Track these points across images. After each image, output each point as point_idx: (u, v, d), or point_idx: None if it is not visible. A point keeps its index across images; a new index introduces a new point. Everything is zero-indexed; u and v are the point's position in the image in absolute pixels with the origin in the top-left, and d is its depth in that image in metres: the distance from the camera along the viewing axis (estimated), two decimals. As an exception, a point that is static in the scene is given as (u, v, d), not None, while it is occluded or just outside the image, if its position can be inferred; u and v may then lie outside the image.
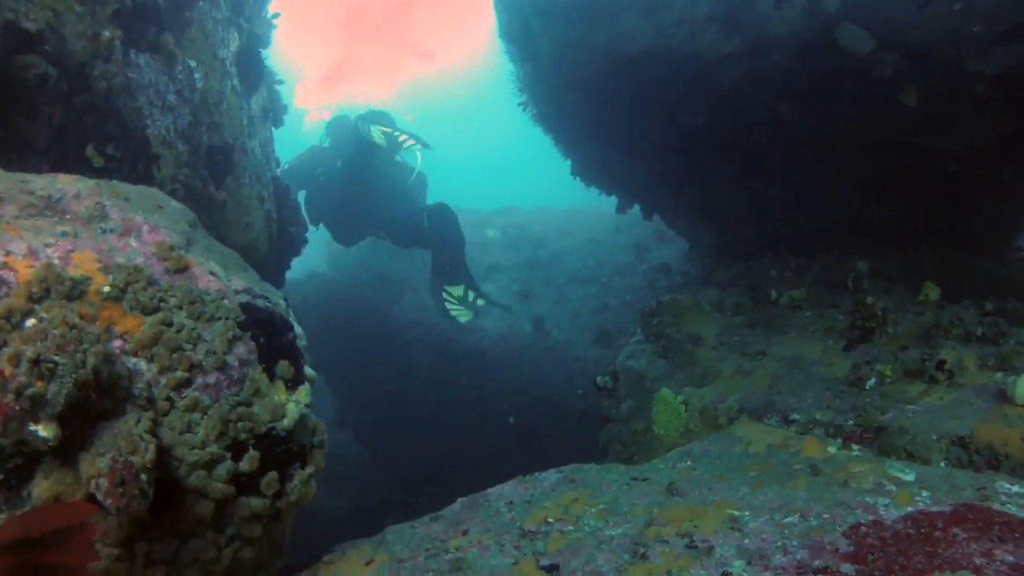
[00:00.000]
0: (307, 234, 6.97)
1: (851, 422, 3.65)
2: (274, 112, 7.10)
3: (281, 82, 7.20)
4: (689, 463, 3.46)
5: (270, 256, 6.25)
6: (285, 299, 3.40)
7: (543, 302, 10.31)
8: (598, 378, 5.61)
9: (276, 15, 7.22)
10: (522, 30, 6.46)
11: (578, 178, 9.02)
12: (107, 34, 4.40)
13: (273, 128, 7.44)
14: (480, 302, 9.27)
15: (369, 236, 10.62)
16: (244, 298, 2.96)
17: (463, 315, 9.24)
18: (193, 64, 5.11)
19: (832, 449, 3.30)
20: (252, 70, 5.98)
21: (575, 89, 6.32)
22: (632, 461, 5.16)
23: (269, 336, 2.89)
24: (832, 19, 4.96)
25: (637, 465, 3.65)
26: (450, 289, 9.25)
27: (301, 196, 10.70)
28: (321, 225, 10.89)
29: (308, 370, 3.09)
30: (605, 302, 9.89)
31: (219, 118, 5.33)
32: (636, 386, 5.25)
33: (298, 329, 3.19)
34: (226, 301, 2.86)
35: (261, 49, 6.33)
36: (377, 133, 9.42)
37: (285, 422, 2.78)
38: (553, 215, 13.68)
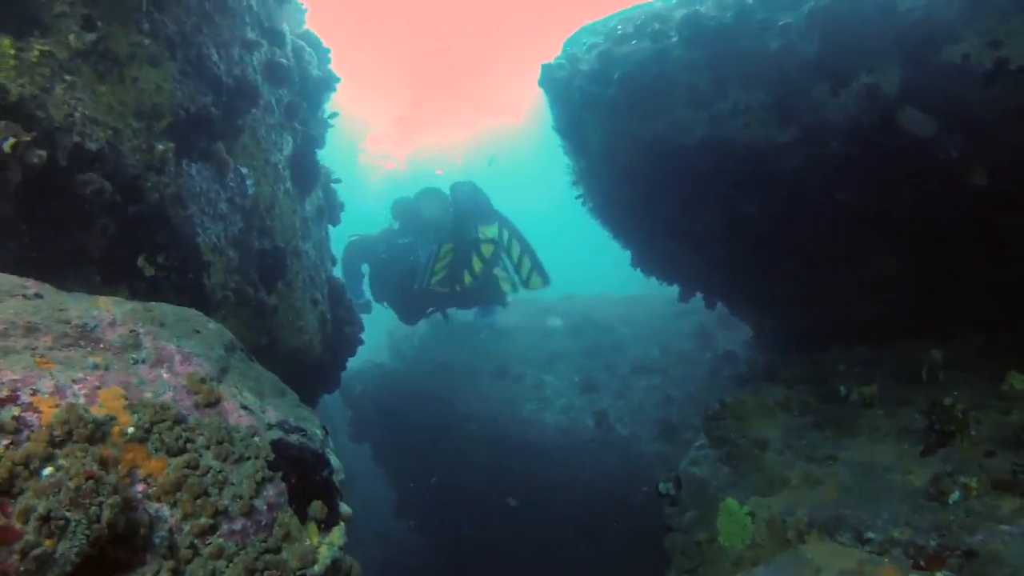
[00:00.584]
0: (362, 334, 6.90)
1: (934, 543, 3.29)
2: (330, 210, 7.16)
3: (337, 181, 7.27)
4: (754, 593, 3.14)
5: (324, 356, 6.19)
6: (324, 428, 3.27)
7: (606, 393, 10.02)
8: (660, 484, 5.30)
9: (333, 115, 7.35)
10: (575, 124, 6.42)
11: (639, 269, 8.85)
12: (160, 147, 4.46)
13: (331, 226, 7.51)
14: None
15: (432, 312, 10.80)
16: (276, 434, 2.82)
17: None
18: (245, 171, 5.16)
19: (914, 581, 2.96)
20: (306, 172, 6.04)
21: (628, 181, 6.22)
22: (695, 573, 4.82)
23: (301, 475, 2.75)
24: (892, 103, 4.76)
25: (697, 594, 3.34)
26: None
27: (364, 269, 10.95)
28: (382, 309, 11.15)
29: (344, 507, 2.92)
30: (668, 394, 9.54)
31: (271, 223, 5.35)
32: (700, 495, 4.92)
33: (335, 462, 3.03)
34: (257, 439, 2.73)
35: (316, 150, 6.41)
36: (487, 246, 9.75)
37: (316, 568, 2.59)
38: (615, 302, 13.49)
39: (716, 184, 5.89)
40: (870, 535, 3.53)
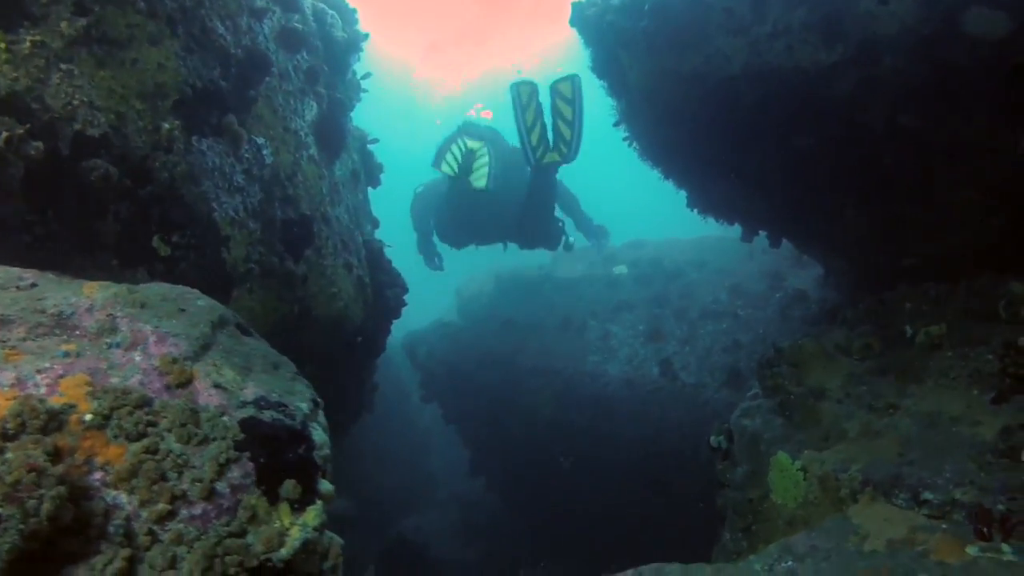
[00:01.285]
0: (406, 295, 6.72)
1: (1002, 506, 2.89)
2: (368, 172, 6.97)
3: (374, 141, 7.06)
4: (790, 563, 2.83)
5: (366, 323, 6.05)
6: (315, 401, 3.07)
7: (672, 341, 9.64)
8: (711, 438, 4.98)
9: (366, 75, 7.12)
10: (611, 63, 6.00)
11: (695, 210, 8.38)
12: (167, 126, 4.34)
13: (370, 188, 7.32)
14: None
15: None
16: (248, 412, 2.65)
17: None
18: (261, 141, 4.99)
19: (972, 550, 2.59)
20: (333, 136, 5.84)
21: (672, 121, 5.78)
22: (749, 531, 4.50)
23: (273, 454, 2.57)
24: (955, 5, 4.19)
25: (729, 565, 3.04)
26: None
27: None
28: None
29: (325, 485, 2.74)
30: (737, 338, 9.09)
31: (294, 191, 5.18)
32: (752, 449, 4.58)
33: (318, 438, 2.84)
34: (225, 419, 2.56)
35: (345, 113, 6.20)
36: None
37: (283, 552, 2.42)
38: (683, 245, 12.95)
39: (765, 117, 5.39)
40: (928, 496, 3.14)
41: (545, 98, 8.37)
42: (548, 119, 8.32)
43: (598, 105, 7.23)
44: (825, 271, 9.00)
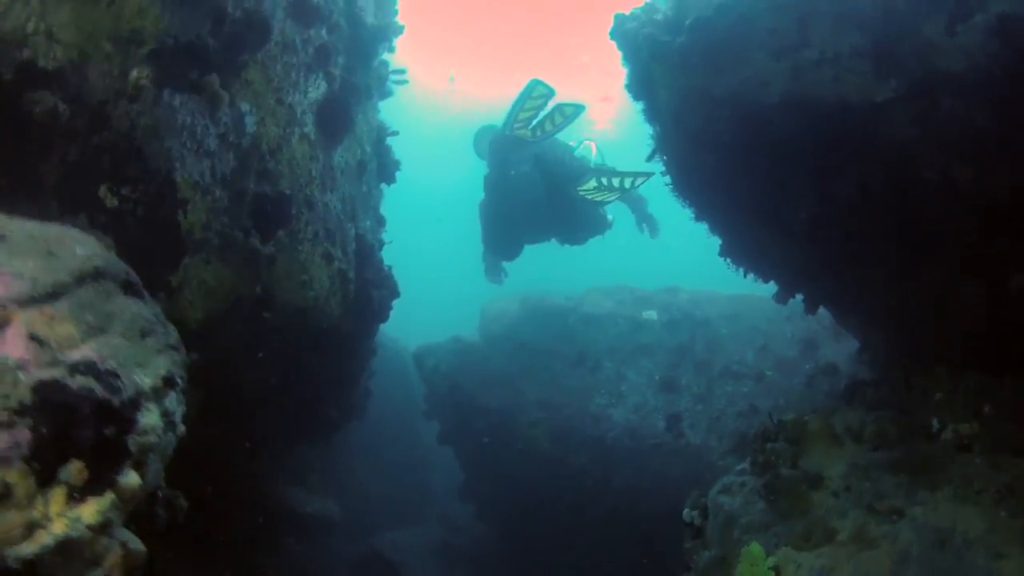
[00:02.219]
0: (395, 300, 6.16)
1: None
2: (383, 168, 6.46)
3: (394, 133, 6.55)
4: None
5: (344, 320, 5.51)
6: (168, 379, 2.51)
7: (686, 395, 8.90)
8: (685, 511, 4.28)
9: (399, 71, 6.64)
10: (644, 81, 5.38)
11: (728, 260, 7.69)
12: (136, 74, 3.89)
13: (384, 185, 6.82)
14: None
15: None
16: (56, 373, 2.10)
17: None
18: (245, 107, 4.51)
19: None
20: (337, 120, 5.34)
21: (702, 149, 5.12)
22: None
23: (64, 427, 2.00)
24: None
25: None
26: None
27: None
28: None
29: (129, 477, 2.15)
30: (755, 404, 8.32)
31: (275, 166, 4.68)
32: (725, 532, 3.87)
33: (148, 421, 2.27)
34: (21, 375, 2.02)
35: (357, 100, 5.70)
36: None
37: (25, 548, 1.83)
38: (721, 298, 12.17)
39: (802, 156, 4.70)
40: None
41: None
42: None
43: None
44: (861, 345, 8.19)
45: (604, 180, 9.24)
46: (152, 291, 4.17)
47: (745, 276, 7.84)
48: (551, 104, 8.64)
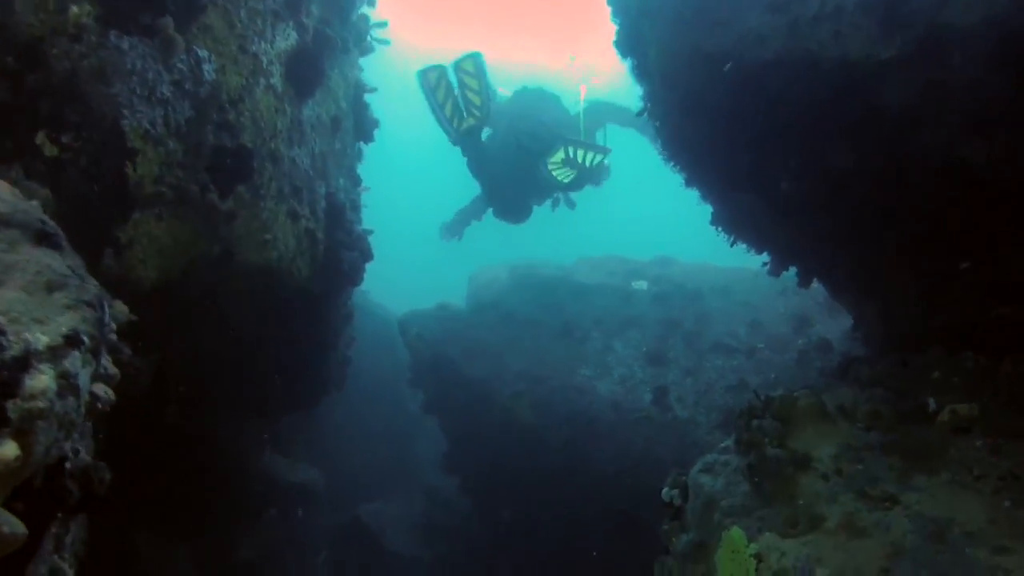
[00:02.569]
0: (368, 263, 5.83)
1: None
2: (359, 125, 6.10)
3: (371, 90, 6.19)
4: None
5: (313, 282, 5.19)
6: (71, 338, 2.18)
7: (674, 369, 8.62)
8: (664, 490, 4.01)
9: (380, 24, 6.26)
10: (634, 37, 5.03)
11: (719, 230, 7.38)
12: (76, 10, 3.53)
13: (362, 143, 6.46)
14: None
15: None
16: None
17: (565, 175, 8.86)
18: (204, 54, 4.16)
19: None
20: (308, 72, 4.99)
21: (692, 110, 4.79)
22: (687, 619, 3.55)
23: None
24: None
25: None
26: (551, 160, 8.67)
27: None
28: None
29: (3, 448, 1.84)
30: (745, 379, 8.05)
31: (236, 117, 4.34)
32: (705, 514, 3.60)
33: (36, 385, 1.98)
34: None
35: (331, 52, 5.34)
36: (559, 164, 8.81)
37: None
38: (714, 271, 11.87)
39: (798, 122, 4.38)
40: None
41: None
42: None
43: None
44: (855, 321, 7.92)
45: (571, 151, 8.99)
46: (99, 247, 3.85)
47: (733, 246, 7.54)
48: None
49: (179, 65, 3.98)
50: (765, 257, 7.40)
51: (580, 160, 8.90)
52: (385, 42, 6.62)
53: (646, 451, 7.49)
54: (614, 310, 10.27)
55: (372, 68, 6.93)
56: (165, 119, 3.92)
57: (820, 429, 3.84)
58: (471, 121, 8.65)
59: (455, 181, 12.05)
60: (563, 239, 20.72)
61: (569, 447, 7.91)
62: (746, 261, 12.57)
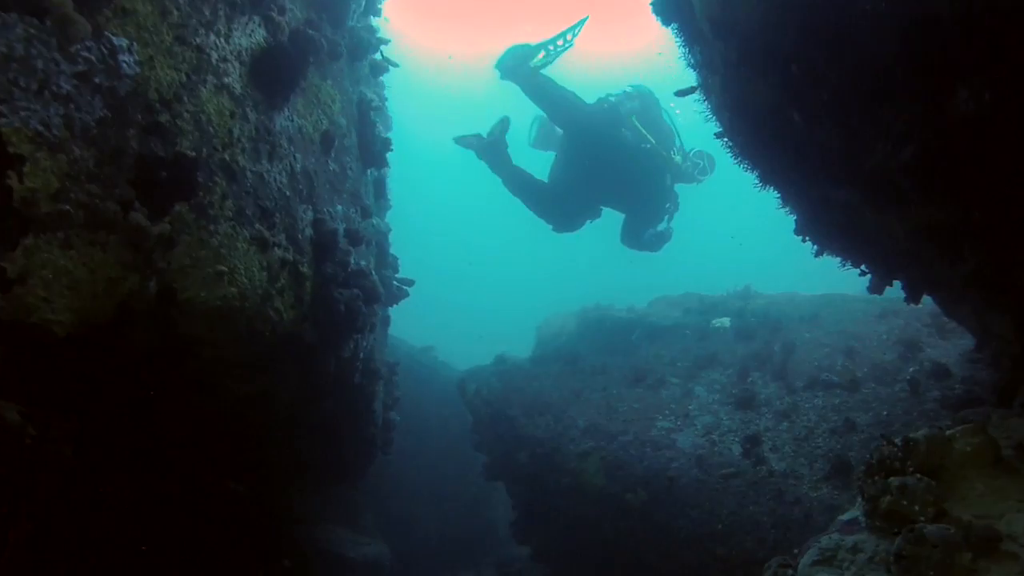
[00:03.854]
0: (377, 305, 4.70)
1: None
2: (365, 146, 5.07)
3: (377, 108, 5.15)
4: None
5: (303, 328, 4.09)
6: None
7: (766, 414, 7.13)
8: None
9: (386, 41, 5.26)
10: (675, -7, 3.83)
11: (807, 240, 5.99)
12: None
13: (375, 169, 5.42)
14: None
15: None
16: None
17: None
18: (122, 43, 3.17)
19: None
20: (279, 75, 3.97)
21: (755, 66, 3.53)
22: None
23: None
24: None
25: None
26: None
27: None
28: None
29: None
30: (850, 417, 6.49)
31: (170, 119, 3.32)
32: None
33: None
34: None
35: (314, 55, 4.33)
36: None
37: None
38: (802, 300, 10.32)
39: (907, 66, 3.06)
40: None
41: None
42: None
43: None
44: (978, 342, 6.33)
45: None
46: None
47: (819, 256, 6.12)
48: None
49: (84, 54, 3.01)
50: (853, 280, 6.00)
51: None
52: (394, 64, 5.66)
53: (738, 512, 6.00)
54: (694, 351, 8.86)
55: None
56: (66, 120, 2.94)
57: (996, 483, 2.44)
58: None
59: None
60: (636, 282, 19.34)
61: (648, 511, 6.48)
62: (837, 286, 11.02)
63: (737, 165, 5.17)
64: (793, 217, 6.05)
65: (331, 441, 5.82)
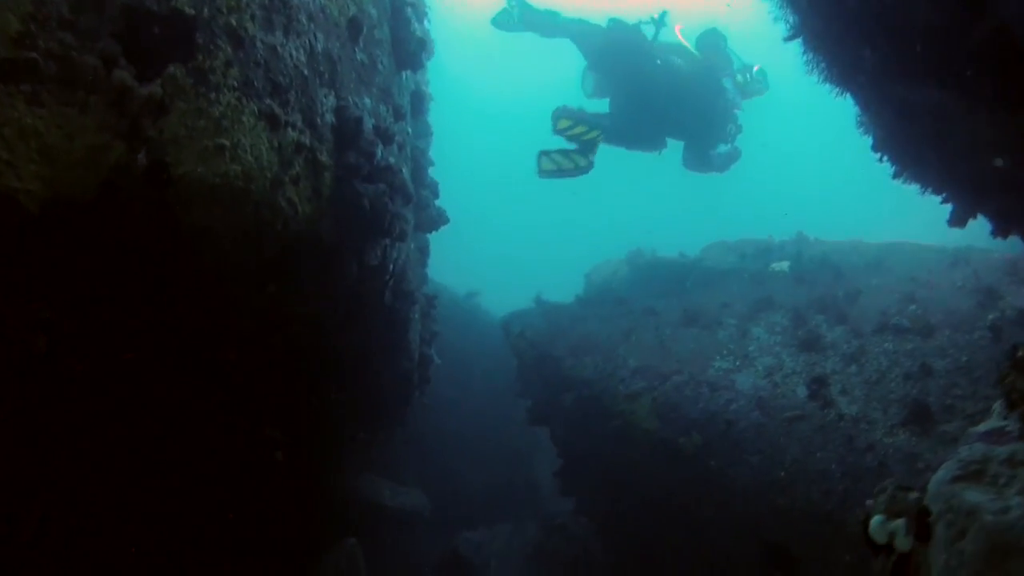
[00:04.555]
0: (405, 205, 4.12)
1: None
2: (399, 43, 4.49)
3: (411, 3, 4.56)
4: None
5: (320, 226, 3.57)
6: None
7: (833, 355, 6.45)
8: (873, 519, 2.04)
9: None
10: None
11: (884, 159, 5.28)
12: None
13: (411, 74, 4.84)
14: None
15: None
16: None
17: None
18: None
19: None
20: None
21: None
22: None
23: None
24: None
25: None
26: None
27: None
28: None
29: None
30: (927, 363, 5.78)
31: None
32: (991, 566, 1.60)
33: None
34: None
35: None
36: None
37: None
38: (865, 247, 9.53)
39: None
40: None
41: None
42: None
43: None
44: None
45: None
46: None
47: (898, 178, 5.43)
48: None
49: None
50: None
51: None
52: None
53: (803, 460, 5.38)
54: (748, 293, 8.18)
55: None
56: (34, -49, 2.42)
57: None
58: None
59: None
60: (688, 229, 18.47)
61: (702, 458, 5.89)
62: (901, 234, 10.18)
63: (812, 69, 4.50)
64: (869, 137, 5.36)
65: (364, 376, 5.35)
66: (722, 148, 8.31)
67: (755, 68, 8.55)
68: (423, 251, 6.51)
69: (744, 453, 5.68)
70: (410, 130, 5.03)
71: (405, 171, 3.93)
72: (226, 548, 5.70)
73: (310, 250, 3.43)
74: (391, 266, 4.08)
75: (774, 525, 5.44)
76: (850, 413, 5.52)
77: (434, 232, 6.37)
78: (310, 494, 6.57)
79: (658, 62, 7.88)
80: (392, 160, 3.76)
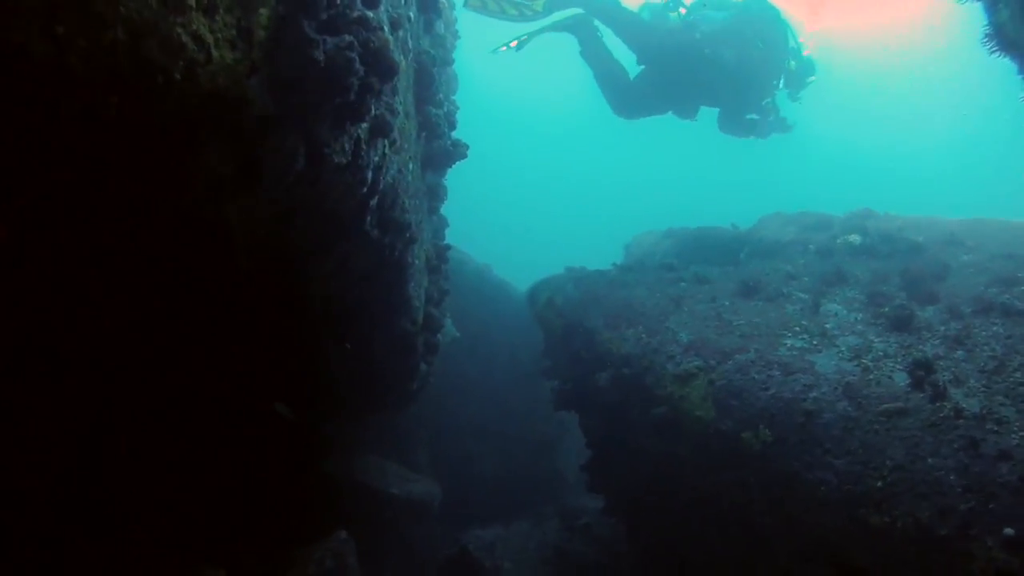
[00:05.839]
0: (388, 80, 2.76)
1: None
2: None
3: None
4: None
5: (244, 86, 2.28)
6: None
7: (932, 337, 5.10)
8: None
9: None
10: None
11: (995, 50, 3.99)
12: None
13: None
14: None
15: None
16: None
17: None
18: None
19: None
20: None
21: None
22: None
23: None
24: None
25: None
26: None
27: None
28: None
29: None
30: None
31: None
32: None
33: None
34: None
35: None
36: None
37: None
38: (942, 224, 8.10)
39: None
40: None
41: None
42: None
43: None
44: None
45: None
46: None
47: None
48: None
49: None
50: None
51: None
52: None
53: (908, 466, 4.05)
54: (813, 267, 6.83)
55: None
56: None
57: None
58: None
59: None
60: (732, 206, 17.02)
61: (769, 458, 4.58)
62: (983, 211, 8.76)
63: None
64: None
65: (352, 337, 4.13)
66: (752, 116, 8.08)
67: (804, 52, 8.24)
68: (435, 193, 5.22)
69: (828, 454, 4.35)
70: (412, 14, 3.72)
71: (392, 40, 2.63)
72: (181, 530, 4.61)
73: (233, 118, 2.17)
74: (369, 174, 2.80)
75: (861, 549, 4.13)
76: (970, 409, 4.17)
77: (450, 168, 5.08)
78: (287, 474, 5.42)
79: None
80: (371, 15, 2.48)
